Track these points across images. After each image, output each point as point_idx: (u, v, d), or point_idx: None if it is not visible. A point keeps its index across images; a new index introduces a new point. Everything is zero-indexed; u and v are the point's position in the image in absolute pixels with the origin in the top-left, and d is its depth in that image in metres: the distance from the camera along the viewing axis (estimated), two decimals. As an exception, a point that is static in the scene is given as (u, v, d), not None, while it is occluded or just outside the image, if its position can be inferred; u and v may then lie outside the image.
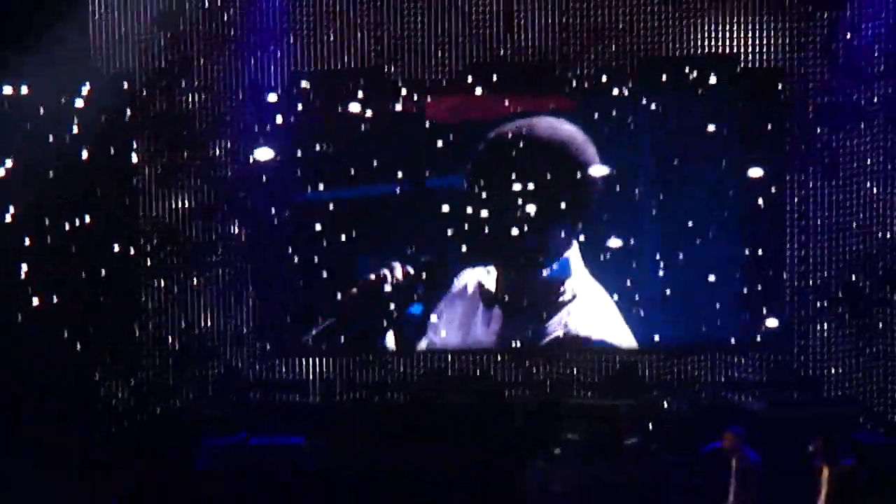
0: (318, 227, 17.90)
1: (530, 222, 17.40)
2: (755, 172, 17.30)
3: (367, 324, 17.85)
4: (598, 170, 17.28)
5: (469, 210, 17.46)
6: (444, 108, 17.72)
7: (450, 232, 17.58)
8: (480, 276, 17.66)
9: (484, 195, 17.48)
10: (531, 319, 17.53)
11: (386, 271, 17.61)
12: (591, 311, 17.37)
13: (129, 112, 17.80)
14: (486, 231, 17.49)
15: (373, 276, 17.65)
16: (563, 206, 17.32)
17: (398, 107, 17.78)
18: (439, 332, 17.85)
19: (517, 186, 17.41)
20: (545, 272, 17.42)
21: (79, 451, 16.85)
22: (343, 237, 17.85)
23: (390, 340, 17.98)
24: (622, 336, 17.49)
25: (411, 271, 17.62)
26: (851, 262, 17.29)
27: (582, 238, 17.42)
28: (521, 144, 17.38)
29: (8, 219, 17.17)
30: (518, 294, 17.58)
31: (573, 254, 17.40)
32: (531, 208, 17.39)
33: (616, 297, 17.45)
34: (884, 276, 17.20)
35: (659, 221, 17.38)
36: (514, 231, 17.47)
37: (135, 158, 17.90)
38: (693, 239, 17.41)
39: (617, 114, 17.44)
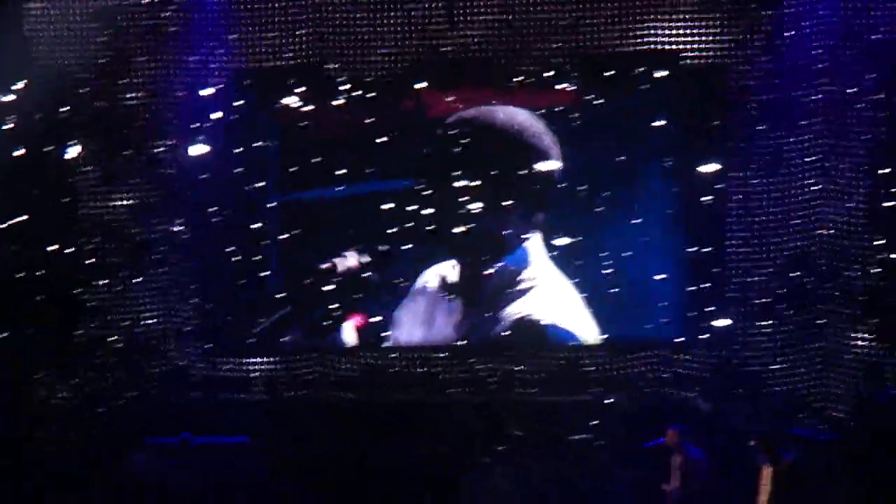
0: (258, 224, 17.83)
1: (482, 213, 17.35)
2: (697, 169, 17.30)
3: (321, 314, 17.76)
4: (555, 157, 17.21)
5: (420, 202, 17.38)
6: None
7: (397, 228, 17.52)
8: (444, 271, 17.60)
9: (435, 187, 17.41)
10: (489, 309, 17.43)
11: (338, 260, 17.55)
12: (551, 300, 17.27)
13: (69, 109, 17.63)
14: (438, 224, 17.43)
15: (326, 265, 17.58)
16: (515, 195, 17.24)
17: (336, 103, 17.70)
18: (403, 329, 17.79)
19: (469, 176, 17.34)
20: (501, 262, 17.35)
21: (17, 453, 16.76)
22: (287, 235, 17.81)
23: (349, 335, 17.89)
24: (584, 326, 17.42)
25: (366, 260, 17.56)
26: (793, 258, 17.37)
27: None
28: (473, 133, 17.31)
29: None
30: (475, 285, 17.51)
31: (533, 244, 17.31)
32: (482, 198, 17.32)
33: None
34: (824, 272, 17.30)
35: (603, 218, 17.38)
36: (466, 223, 17.40)
37: (73, 154, 17.72)
38: (636, 236, 17.45)
39: (559, 111, 17.42)
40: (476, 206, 17.30)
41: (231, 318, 17.96)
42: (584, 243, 17.34)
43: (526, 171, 17.17)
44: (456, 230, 17.42)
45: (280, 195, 17.88)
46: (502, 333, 17.44)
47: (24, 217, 17.40)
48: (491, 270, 17.36)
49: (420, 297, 17.72)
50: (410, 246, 17.54)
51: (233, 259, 17.83)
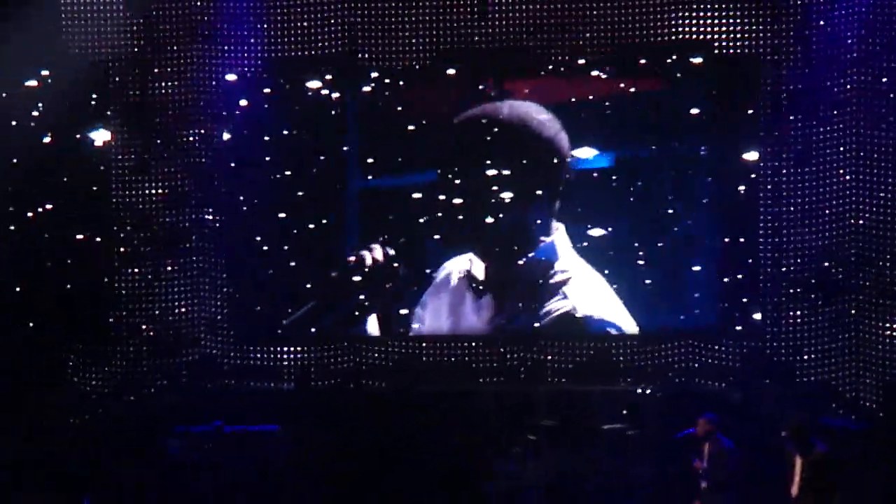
0: (282, 214, 17.87)
1: (504, 208, 17.35)
2: (729, 160, 17.29)
3: (349, 307, 17.79)
4: (564, 146, 17.19)
5: (442, 198, 17.40)
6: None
7: (423, 221, 17.54)
8: (465, 265, 17.61)
9: (457, 182, 17.42)
10: (524, 304, 17.46)
11: (365, 252, 17.57)
12: (586, 292, 17.24)
13: (101, 98, 17.70)
14: (462, 219, 17.42)
15: (353, 258, 17.61)
16: (536, 189, 17.24)
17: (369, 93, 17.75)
18: (425, 323, 17.80)
19: (489, 171, 17.34)
20: (528, 257, 17.35)
21: (51, 441, 16.84)
22: (313, 226, 17.85)
23: (373, 327, 17.93)
24: (622, 317, 17.37)
25: (391, 252, 17.58)
26: (824, 249, 17.34)
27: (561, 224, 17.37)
28: (491, 128, 17.31)
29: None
30: (505, 280, 17.51)
31: (559, 237, 17.29)
32: (504, 193, 17.33)
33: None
34: (856, 263, 17.26)
35: (634, 209, 17.37)
36: (489, 218, 17.41)
37: (103, 141, 17.80)
38: (667, 226, 17.44)
39: (591, 101, 17.41)
40: (500, 199, 17.29)
41: (262, 306, 18.00)
42: (615, 234, 17.35)
43: (542, 165, 17.17)
44: (482, 223, 17.41)
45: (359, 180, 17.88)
46: (537, 326, 17.47)
47: (57, 205, 17.55)
48: (520, 263, 17.36)
49: (443, 291, 17.72)
50: (437, 238, 17.61)
51: (264, 248, 17.90)
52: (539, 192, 17.26)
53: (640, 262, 17.35)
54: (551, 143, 17.16)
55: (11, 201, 17.46)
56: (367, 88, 17.76)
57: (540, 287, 17.30)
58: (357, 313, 17.78)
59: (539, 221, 17.33)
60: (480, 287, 17.59)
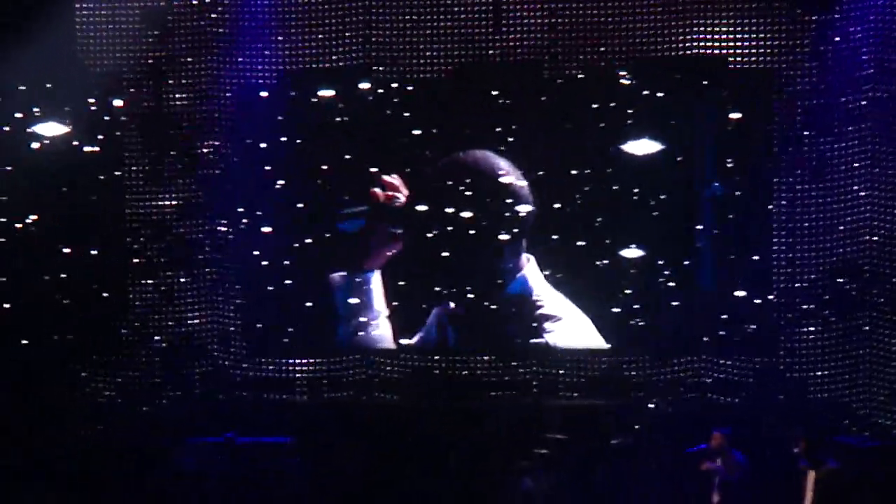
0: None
1: (474, 248, 17.29)
2: (742, 175, 17.28)
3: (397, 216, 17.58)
4: (526, 194, 17.17)
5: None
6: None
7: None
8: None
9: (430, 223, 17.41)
10: (503, 338, 17.54)
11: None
12: (563, 324, 17.28)
13: (115, 109, 17.75)
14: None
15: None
16: (501, 232, 17.13)
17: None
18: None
19: (461, 214, 17.24)
20: (504, 292, 17.31)
21: (62, 451, 16.89)
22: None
23: (387, 337, 17.92)
24: (596, 344, 17.43)
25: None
26: (838, 264, 17.31)
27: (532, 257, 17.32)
28: (459, 176, 17.21)
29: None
30: (482, 316, 17.50)
31: (530, 269, 17.26)
32: (472, 235, 17.25)
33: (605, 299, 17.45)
34: (869, 279, 17.23)
35: (648, 223, 17.34)
36: (461, 257, 17.38)
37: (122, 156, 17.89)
38: (680, 241, 17.42)
39: (606, 115, 17.41)
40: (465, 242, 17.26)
41: (274, 318, 18.02)
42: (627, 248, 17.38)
43: (503, 207, 17.10)
44: (452, 264, 17.42)
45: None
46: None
47: (70, 216, 17.59)
48: (495, 301, 17.37)
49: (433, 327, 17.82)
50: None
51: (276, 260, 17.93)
52: (505, 235, 17.15)
53: (650, 276, 17.34)
54: (508, 186, 17.09)
55: (25, 212, 17.47)
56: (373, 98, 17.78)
57: (515, 323, 17.34)
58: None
59: (507, 258, 17.27)
60: (458, 325, 17.63)
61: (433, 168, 17.39)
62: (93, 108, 17.51)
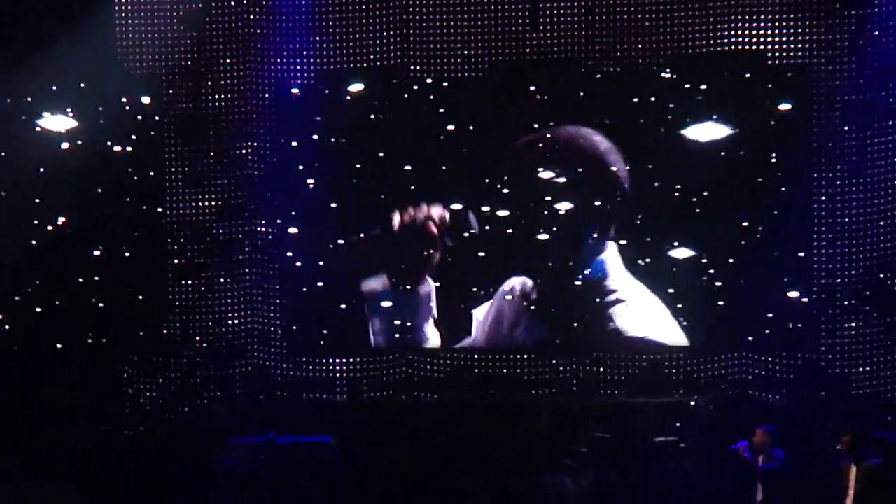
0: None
1: (558, 230, 17.36)
2: (782, 171, 17.20)
3: (417, 249, 17.69)
4: (624, 174, 17.22)
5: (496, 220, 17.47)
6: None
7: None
8: (523, 282, 17.64)
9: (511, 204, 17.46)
10: (575, 323, 17.51)
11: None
12: (637, 311, 17.31)
13: (155, 111, 17.84)
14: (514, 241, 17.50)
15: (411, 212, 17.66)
16: (590, 211, 17.25)
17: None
18: (483, 332, 17.85)
19: (543, 195, 17.36)
20: (580, 277, 17.36)
21: (105, 451, 16.96)
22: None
23: (434, 338, 17.97)
24: (673, 334, 17.40)
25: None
26: (879, 260, 17.21)
27: (621, 242, 17.39)
28: (546, 153, 17.36)
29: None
30: (557, 300, 17.52)
31: (609, 255, 17.33)
32: (558, 216, 17.34)
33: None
34: (911, 274, 17.17)
35: (688, 221, 17.28)
36: (543, 238, 17.45)
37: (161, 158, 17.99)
38: (721, 238, 17.35)
39: (644, 113, 17.38)
40: (550, 223, 17.30)
41: (314, 318, 18.06)
42: (668, 247, 17.32)
43: (597, 187, 17.23)
44: (531, 247, 17.46)
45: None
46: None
47: (111, 218, 17.69)
48: (570, 284, 17.36)
49: (504, 303, 17.73)
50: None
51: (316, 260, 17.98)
52: (593, 215, 17.25)
53: (692, 273, 17.30)
54: (604, 162, 17.16)
55: (63, 213, 17.56)
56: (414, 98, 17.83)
57: (590, 307, 17.36)
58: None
59: (591, 242, 17.31)
60: (533, 305, 17.60)
61: (512, 148, 17.42)
62: (131, 109, 17.58)
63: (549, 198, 17.43)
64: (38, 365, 17.45)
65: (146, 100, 17.71)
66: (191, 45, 17.89)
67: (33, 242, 17.47)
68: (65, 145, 17.34)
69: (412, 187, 17.76)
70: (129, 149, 17.66)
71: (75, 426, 17.07)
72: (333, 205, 17.87)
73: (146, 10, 17.85)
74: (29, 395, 17.27)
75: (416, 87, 17.78)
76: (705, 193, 17.23)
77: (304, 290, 18.00)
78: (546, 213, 17.43)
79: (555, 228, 17.41)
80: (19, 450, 16.59)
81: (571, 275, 17.46)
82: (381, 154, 17.80)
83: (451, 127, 17.64)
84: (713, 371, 17.70)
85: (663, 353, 17.61)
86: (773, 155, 17.22)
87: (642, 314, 17.36)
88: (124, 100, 17.52)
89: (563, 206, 17.38)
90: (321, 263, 17.93)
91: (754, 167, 17.24)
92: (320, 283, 17.94)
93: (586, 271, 17.41)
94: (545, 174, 17.42)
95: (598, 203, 17.34)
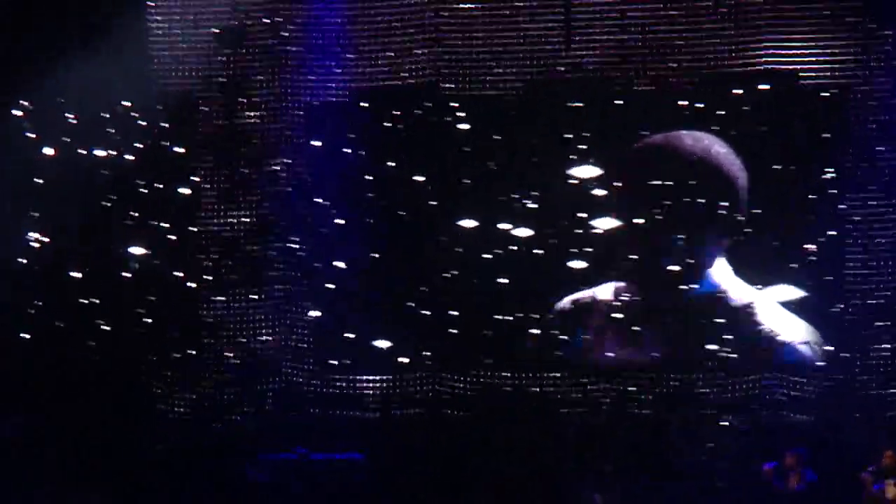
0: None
1: (678, 241, 17.15)
2: (816, 192, 17.17)
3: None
4: (745, 189, 16.99)
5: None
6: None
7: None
8: (608, 294, 17.51)
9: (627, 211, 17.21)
10: (692, 338, 17.30)
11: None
12: (779, 316, 17.05)
13: (188, 128, 17.89)
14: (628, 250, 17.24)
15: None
16: (710, 224, 17.01)
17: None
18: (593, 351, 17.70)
19: (662, 201, 17.09)
20: (694, 289, 17.19)
21: (136, 467, 16.99)
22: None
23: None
24: (820, 340, 17.21)
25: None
26: (913, 281, 17.21)
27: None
28: (666, 159, 17.12)
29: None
30: (669, 314, 17.34)
31: (719, 267, 17.15)
32: (679, 227, 17.11)
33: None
34: (945, 296, 17.10)
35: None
36: (661, 249, 17.18)
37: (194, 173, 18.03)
38: (746, 261, 17.29)
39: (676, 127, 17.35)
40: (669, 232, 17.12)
41: (346, 335, 18.06)
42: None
43: (719, 199, 16.95)
44: (648, 257, 17.19)
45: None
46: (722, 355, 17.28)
47: (144, 234, 17.72)
48: (688, 297, 17.17)
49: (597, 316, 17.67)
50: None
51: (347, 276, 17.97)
52: (712, 228, 17.05)
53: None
54: (730, 180, 16.98)
55: (101, 231, 17.61)
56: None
57: (723, 309, 17.07)
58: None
59: (708, 256, 17.17)
60: (635, 319, 17.45)
61: (630, 152, 17.23)
62: (164, 125, 17.63)
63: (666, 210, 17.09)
64: (70, 381, 17.47)
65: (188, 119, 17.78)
66: (224, 61, 17.92)
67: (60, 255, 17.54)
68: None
69: (446, 203, 17.74)
70: (162, 165, 17.68)
71: (107, 443, 17.09)
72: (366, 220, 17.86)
73: (179, 26, 17.89)
74: (60, 413, 17.29)
75: (448, 105, 17.78)
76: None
77: (335, 306, 18.00)
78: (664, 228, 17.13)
79: (672, 247, 17.15)
80: (53, 465, 16.64)
81: (685, 292, 17.19)
82: (413, 170, 17.79)
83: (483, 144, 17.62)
84: (745, 391, 17.66)
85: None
86: (807, 175, 17.19)
87: (786, 319, 17.07)
88: (159, 116, 17.55)
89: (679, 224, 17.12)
90: (353, 279, 17.93)
91: (789, 186, 17.24)
92: (351, 301, 17.93)
93: (698, 286, 17.21)
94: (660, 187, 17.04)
95: (714, 220, 17.02)
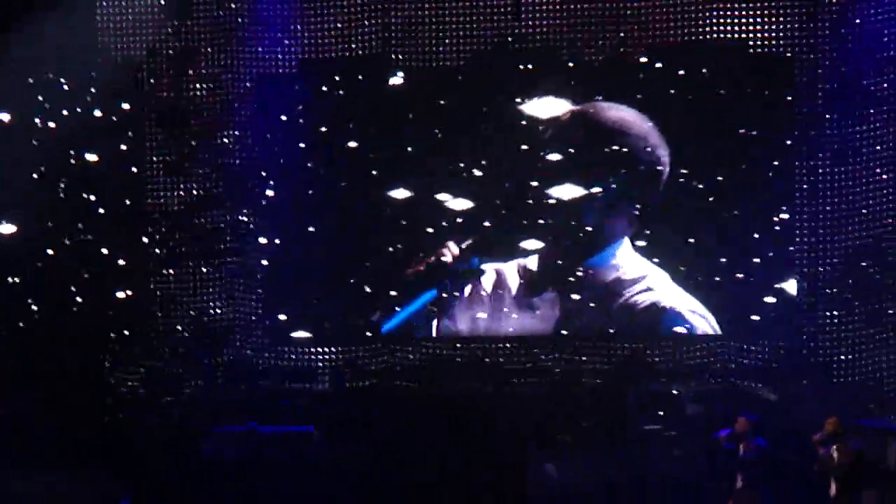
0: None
1: (593, 205, 17.16)
2: (764, 160, 17.21)
3: (432, 297, 17.57)
4: (660, 157, 16.98)
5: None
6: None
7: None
8: (511, 266, 17.53)
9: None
10: (596, 303, 17.36)
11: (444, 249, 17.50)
12: (670, 287, 17.10)
13: (136, 101, 17.79)
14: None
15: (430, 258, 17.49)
16: (623, 194, 17.03)
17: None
18: (457, 322, 17.76)
19: (568, 171, 17.15)
20: (598, 255, 17.24)
21: (88, 441, 16.91)
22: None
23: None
24: (706, 314, 17.19)
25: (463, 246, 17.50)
26: (862, 248, 17.24)
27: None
28: (591, 127, 17.09)
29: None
30: (572, 279, 17.40)
31: (625, 242, 17.21)
32: (595, 190, 17.10)
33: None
34: (893, 262, 17.15)
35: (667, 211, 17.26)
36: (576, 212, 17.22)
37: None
38: (700, 228, 17.32)
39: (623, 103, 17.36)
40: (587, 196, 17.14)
41: (296, 307, 18.03)
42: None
43: (629, 169, 16.97)
44: (562, 216, 17.25)
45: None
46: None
47: (92, 208, 17.62)
48: (590, 262, 17.25)
49: (482, 290, 17.65)
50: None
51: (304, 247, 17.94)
52: (624, 198, 17.07)
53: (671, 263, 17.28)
54: (649, 154, 16.95)
55: (48, 204, 17.50)
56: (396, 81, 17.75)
57: (618, 281, 17.17)
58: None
59: (617, 225, 17.23)
60: (538, 286, 17.54)
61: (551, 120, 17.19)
62: (112, 98, 17.54)
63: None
64: (20, 357, 17.39)
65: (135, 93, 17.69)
66: (172, 34, 17.84)
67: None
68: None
69: (393, 174, 17.71)
70: (110, 138, 17.59)
71: (57, 416, 17.00)
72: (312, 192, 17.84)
73: (128, -1, 17.86)
74: (14, 387, 17.21)
75: (396, 75, 17.75)
76: (668, 188, 17.18)
77: (286, 279, 17.96)
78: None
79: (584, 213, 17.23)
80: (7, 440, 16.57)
81: (588, 254, 17.27)
82: (361, 142, 17.73)
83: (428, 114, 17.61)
84: (698, 360, 17.72)
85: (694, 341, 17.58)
86: (756, 145, 17.22)
87: (676, 290, 17.11)
88: (107, 89, 17.46)
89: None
90: (302, 251, 17.88)
91: (736, 157, 17.26)
92: (301, 272, 17.89)
93: (602, 253, 17.28)
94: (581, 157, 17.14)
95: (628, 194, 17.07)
